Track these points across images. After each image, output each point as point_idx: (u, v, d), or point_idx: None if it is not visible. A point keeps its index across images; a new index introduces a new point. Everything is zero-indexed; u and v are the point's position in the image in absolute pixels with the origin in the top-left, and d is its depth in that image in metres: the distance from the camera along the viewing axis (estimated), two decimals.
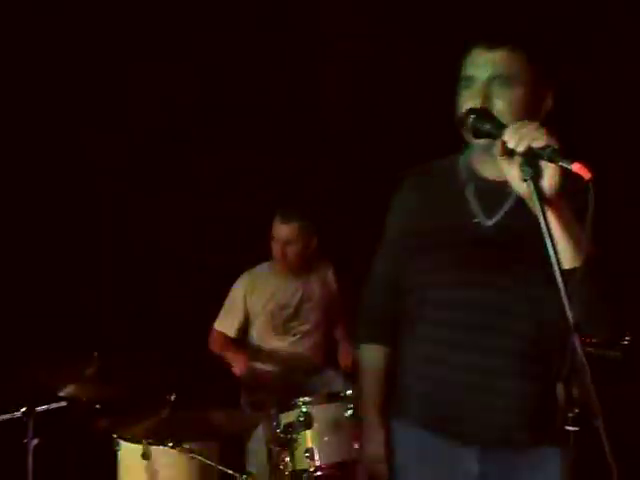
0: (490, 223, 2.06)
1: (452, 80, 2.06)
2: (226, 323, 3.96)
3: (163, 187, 4.41)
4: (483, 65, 1.98)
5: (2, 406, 2.99)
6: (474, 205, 2.08)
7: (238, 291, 3.95)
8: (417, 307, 2.16)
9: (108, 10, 4.17)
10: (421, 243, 2.14)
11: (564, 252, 1.71)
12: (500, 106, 1.94)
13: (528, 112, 1.96)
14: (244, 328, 3.95)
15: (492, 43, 1.98)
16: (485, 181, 2.08)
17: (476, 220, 2.07)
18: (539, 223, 1.78)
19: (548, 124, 1.68)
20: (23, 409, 2.97)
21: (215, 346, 3.93)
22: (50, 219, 4.16)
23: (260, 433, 3.54)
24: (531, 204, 1.66)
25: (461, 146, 2.09)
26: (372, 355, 2.34)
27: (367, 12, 4.38)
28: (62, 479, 3.42)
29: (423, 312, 2.15)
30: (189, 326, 3.95)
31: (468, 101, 1.97)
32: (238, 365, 3.79)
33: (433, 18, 4.23)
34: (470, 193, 2.09)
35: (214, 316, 3.97)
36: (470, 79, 2.00)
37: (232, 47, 4.42)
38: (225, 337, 3.95)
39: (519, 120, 1.76)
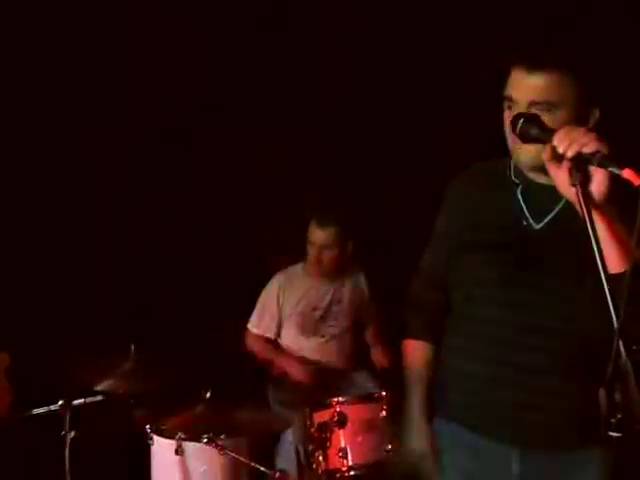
0: (538, 227, 2.07)
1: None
2: (264, 325, 3.96)
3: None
4: (523, 89, 1.96)
5: (40, 400, 3.02)
6: (523, 208, 2.09)
7: (272, 291, 3.95)
8: (464, 304, 2.18)
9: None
10: (471, 241, 2.15)
11: (611, 256, 1.71)
12: None
13: None
14: (277, 333, 3.96)
15: (532, 66, 1.95)
16: (534, 184, 2.09)
17: (525, 223, 2.08)
18: (586, 227, 1.81)
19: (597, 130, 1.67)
20: (60, 402, 2.99)
21: (257, 349, 3.93)
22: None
23: (292, 431, 3.56)
24: (579, 208, 1.66)
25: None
26: (419, 351, 2.35)
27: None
28: (97, 472, 3.44)
29: (470, 309, 2.16)
30: (222, 324, 3.96)
31: (510, 121, 1.97)
32: (296, 371, 3.81)
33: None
34: (519, 195, 2.10)
35: (243, 314, 3.99)
36: (511, 100, 1.99)
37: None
38: (266, 340, 3.95)
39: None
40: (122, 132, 4.30)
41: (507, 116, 2.00)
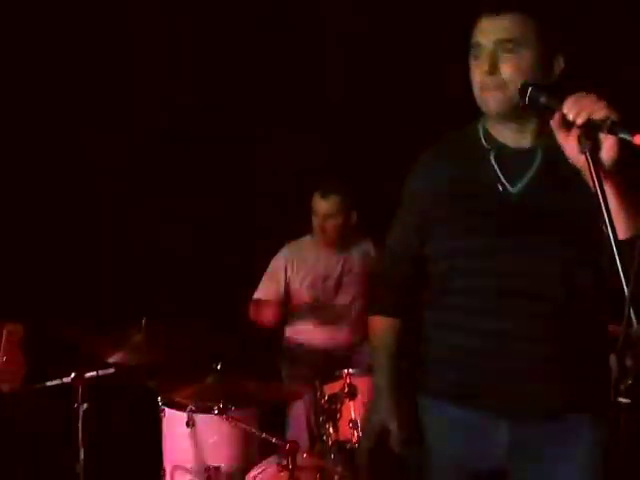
0: (515, 191, 2.06)
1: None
2: (264, 291, 3.97)
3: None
4: (489, 31, 1.99)
5: (53, 372, 3.04)
6: (498, 173, 2.07)
7: (279, 260, 3.97)
8: (446, 276, 2.15)
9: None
10: (450, 212, 2.12)
11: (620, 223, 1.70)
12: (506, 71, 1.96)
13: (537, 75, 1.97)
14: (282, 298, 3.96)
15: (498, 9, 1.99)
16: (506, 148, 2.08)
17: (501, 188, 2.06)
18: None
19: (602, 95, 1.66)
20: (73, 375, 3.02)
21: (253, 313, 3.95)
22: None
23: (303, 403, 3.58)
24: (588, 176, 1.65)
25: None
26: (387, 328, 2.32)
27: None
28: (109, 444, 3.48)
29: (453, 282, 2.14)
30: (236, 295, 3.97)
31: (476, 69, 2.01)
32: (268, 311, 3.81)
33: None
34: (493, 161, 2.09)
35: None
36: (477, 47, 2.01)
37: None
38: (262, 302, 3.96)
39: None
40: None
41: (475, 65, 2.02)
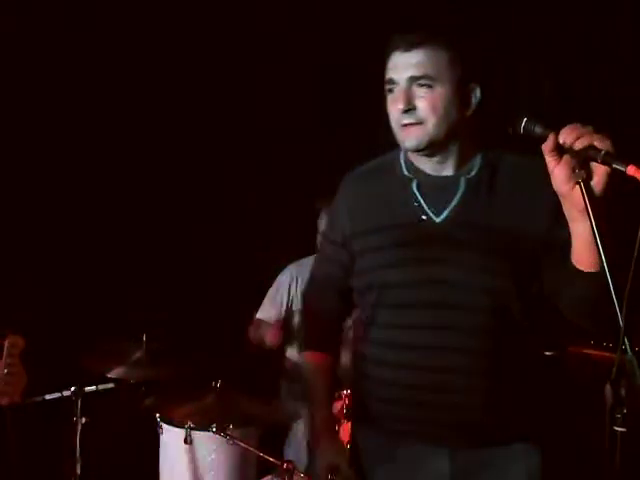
0: (438, 220, 2.04)
1: None
2: (267, 311, 3.97)
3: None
4: (402, 68, 1.98)
5: (53, 385, 3.05)
6: (421, 202, 2.06)
7: (283, 280, 3.96)
8: (371, 309, 2.13)
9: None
10: (371, 244, 2.10)
11: (591, 254, 1.70)
12: (423, 108, 1.96)
13: (453, 109, 1.98)
14: (284, 319, 3.96)
15: (410, 44, 1.97)
16: (428, 177, 2.07)
17: (424, 217, 2.05)
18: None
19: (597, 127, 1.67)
20: (72, 389, 3.03)
21: (253, 333, 3.94)
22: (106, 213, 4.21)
23: (302, 423, 3.57)
24: (565, 205, 1.67)
25: None
26: (319, 363, 2.31)
27: None
28: (107, 457, 3.48)
29: (377, 314, 2.11)
30: (238, 315, 3.97)
31: (392, 105, 2.01)
32: (270, 333, 3.81)
33: None
34: (415, 190, 2.07)
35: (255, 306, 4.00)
36: (391, 82, 2.01)
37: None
38: (263, 323, 3.95)
39: (442, 120, 1.91)
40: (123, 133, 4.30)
41: (390, 101, 2.02)
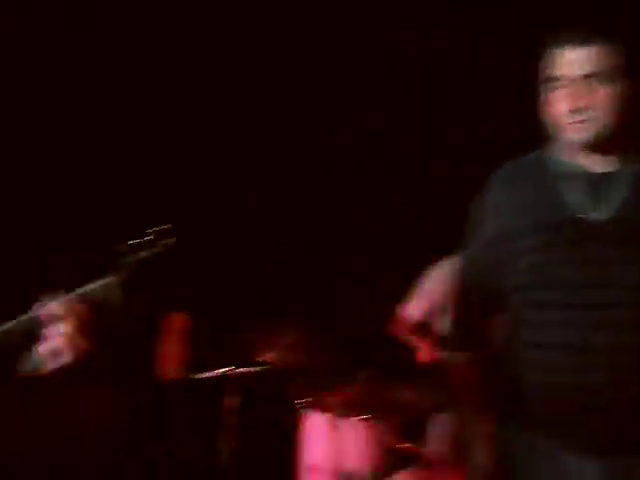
0: (602, 217, 2.00)
1: None
2: (413, 307, 3.96)
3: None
4: (577, 63, 1.96)
5: (208, 365, 3.15)
6: (578, 199, 2.02)
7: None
8: (535, 310, 2.07)
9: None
10: (530, 242, 2.05)
11: None
12: (595, 103, 1.95)
13: (620, 105, 1.97)
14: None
15: (582, 41, 1.96)
16: (588, 173, 2.03)
17: (580, 215, 2.00)
18: None
19: None
20: (228, 368, 3.12)
21: (398, 329, 3.94)
22: None
23: (447, 416, 3.56)
24: None
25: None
26: (466, 366, 2.27)
27: None
28: (251, 439, 3.56)
29: (543, 315, 2.05)
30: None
31: (562, 101, 1.98)
32: (424, 352, 3.80)
33: None
34: (569, 187, 2.04)
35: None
36: (560, 79, 1.98)
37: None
38: (409, 320, 3.95)
39: (611, 115, 1.90)
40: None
41: (559, 97, 1.99)
